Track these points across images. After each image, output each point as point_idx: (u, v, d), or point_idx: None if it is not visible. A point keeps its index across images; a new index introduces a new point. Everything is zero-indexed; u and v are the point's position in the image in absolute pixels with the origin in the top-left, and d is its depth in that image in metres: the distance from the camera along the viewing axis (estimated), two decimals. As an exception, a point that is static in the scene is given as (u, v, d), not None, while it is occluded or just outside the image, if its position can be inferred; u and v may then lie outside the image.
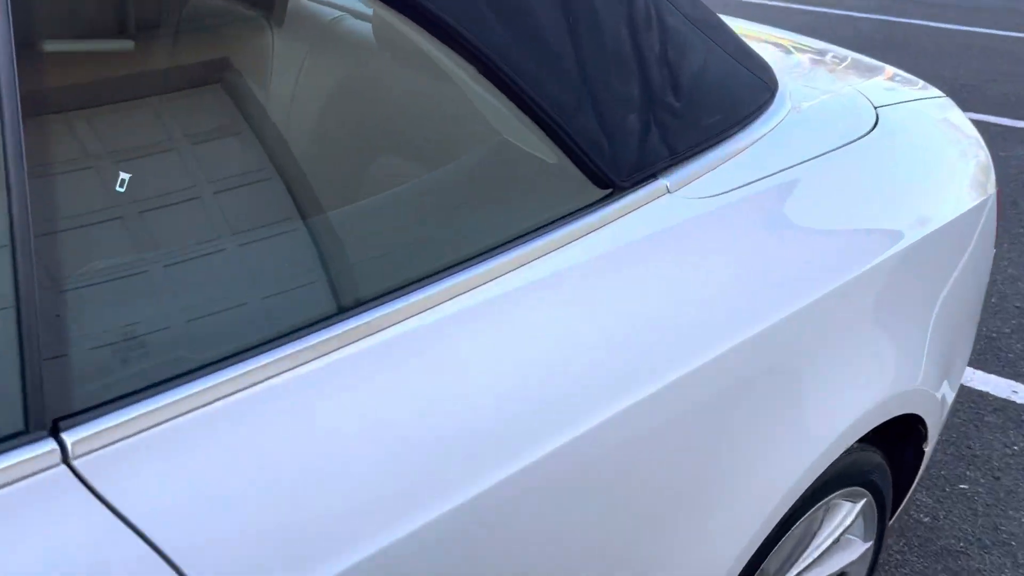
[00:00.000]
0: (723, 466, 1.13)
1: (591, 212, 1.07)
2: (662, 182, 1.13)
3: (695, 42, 1.22)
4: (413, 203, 1.09)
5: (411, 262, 0.97)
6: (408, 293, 0.92)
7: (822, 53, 1.88)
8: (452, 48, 0.95)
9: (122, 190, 1.04)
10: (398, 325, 0.90)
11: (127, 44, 1.20)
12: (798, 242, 1.22)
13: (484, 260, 0.98)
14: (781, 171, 1.24)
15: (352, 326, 0.87)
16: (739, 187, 1.19)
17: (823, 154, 1.33)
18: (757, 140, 1.25)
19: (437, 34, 0.94)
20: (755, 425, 1.14)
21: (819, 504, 1.37)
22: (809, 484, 1.26)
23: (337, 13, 1.48)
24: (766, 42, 1.87)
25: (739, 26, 1.87)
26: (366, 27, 1.36)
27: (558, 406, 0.96)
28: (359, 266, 0.99)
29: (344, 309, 0.90)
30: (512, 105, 1.00)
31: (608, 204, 1.08)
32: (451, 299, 0.94)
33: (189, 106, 1.14)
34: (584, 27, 1.05)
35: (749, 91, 1.28)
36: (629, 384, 1.01)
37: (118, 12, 1.19)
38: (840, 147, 1.37)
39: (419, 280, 0.94)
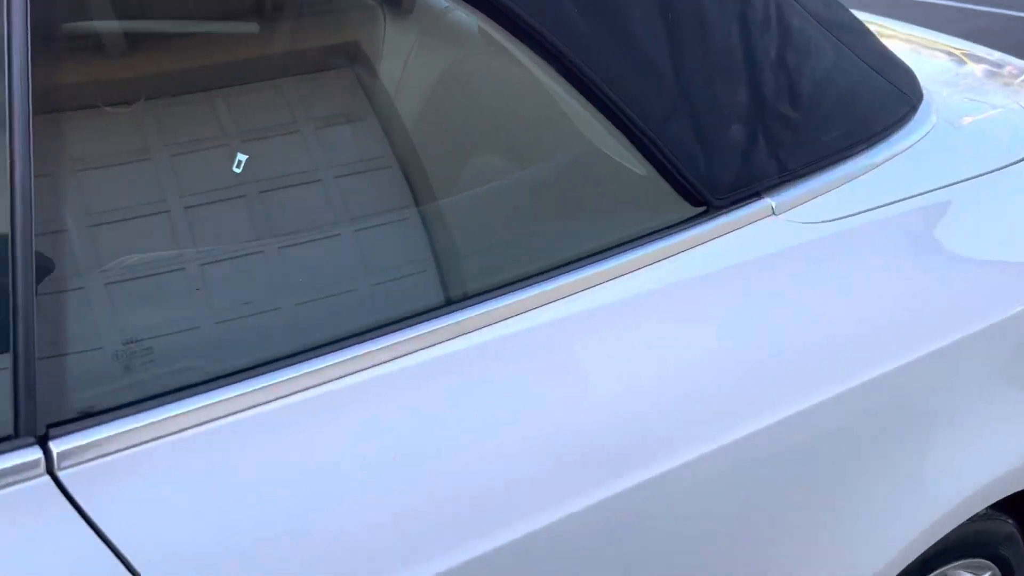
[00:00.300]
0: (825, 514, 1.02)
1: (682, 230, 0.96)
2: (766, 202, 1.00)
3: (823, 47, 1.07)
4: (505, 204, 1.06)
5: (506, 263, 0.96)
6: (507, 293, 0.89)
7: (999, 64, 1.67)
8: (526, 42, 0.87)
9: (239, 171, 1.06)
10: (499, 324, 0.87)
11: (252, 27, 1.22)
12: (932, 277, 1.07)
13: (570, 271, 0.92)
14: (917, 195, 1.09)
15: (456, 320, 0.86)
16: (861, 212, 1.05)
17: (973, 177, 1.16)
18: (889, 159, 1.10)
19: (510, 28, 0.86)
20: (866, 472, 1.00)
21: (935, 573, 1.21)
22: (925, 548, 1.12)
23: (447, 4, 1.43)
24: (934, 49, 1.68)
25: (906, 32, 1.70)
26: (474, 21, 1.30)
27: (644, 432, 0.89)
28: (465, 261, 1.00)
29: (450, 302, 0.90)
30: (594, 109, 0.90)
31: (701, 223, 0.97)
32: (544, 305, 0.90)
33: (308, 90, 1.14)
34: (685, 27, 0.94)
35: (885, 103, 1.13)
36: (723, 417, 0.93)
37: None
38: (997, 170, 1.18)
39: (515, 282, 0.91)
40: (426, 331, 0.84)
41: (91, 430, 0.67)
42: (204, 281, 1.00)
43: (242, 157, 1.05)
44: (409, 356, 0.83)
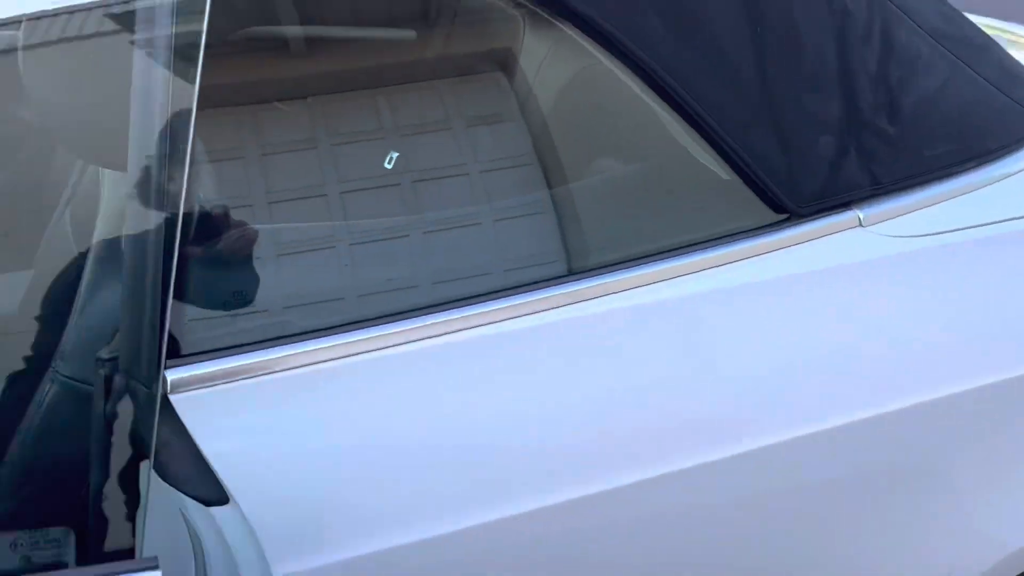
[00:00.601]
0: (913, 512, 1.03)
1: (762, 234, 1.00)
2: (853, 213, 1.02)
3: (934, 61, 1.07)
4: (612, 198, 1.15)
5: (611, 248, 1.05)
6: (609, 273, 0.96)
7: None
8: (613, 53, 0.94)
9: (389, 167, 1.21)
10: (602, 298, 0.94)
11: (410, 34, 1.36)
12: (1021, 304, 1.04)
13: (657, 260, 0.98)
14: (1020, 218, 1.06)
15: (570, 290, 0.94)
16: (959, 230, 1.04)
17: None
18: (1000, 179, 1.08)
19: (599, 42, 0.94)
20: (910, 507, 1.00)
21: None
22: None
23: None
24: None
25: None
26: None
27: (706, 417, 0.95)
28: (581, 244, 1.11)
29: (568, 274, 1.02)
30: (677, 116, 0.96)
31: (782, 229, 1.00)
32: (640, 287, 0.96)
33: (458, 91, 1.27)
34: (773, 40, 0.98)
35: (1003, 121, 1.10)
36: (776, 418, 0.97)
37: (403, 6, 1.34)
38: None
39: (618, 263, 0.98)
40: (543, 296, 0.93)
41: (203, 363, 0.81)
42: (352, 258, 1.14)
43: (394, 154, 1.19)
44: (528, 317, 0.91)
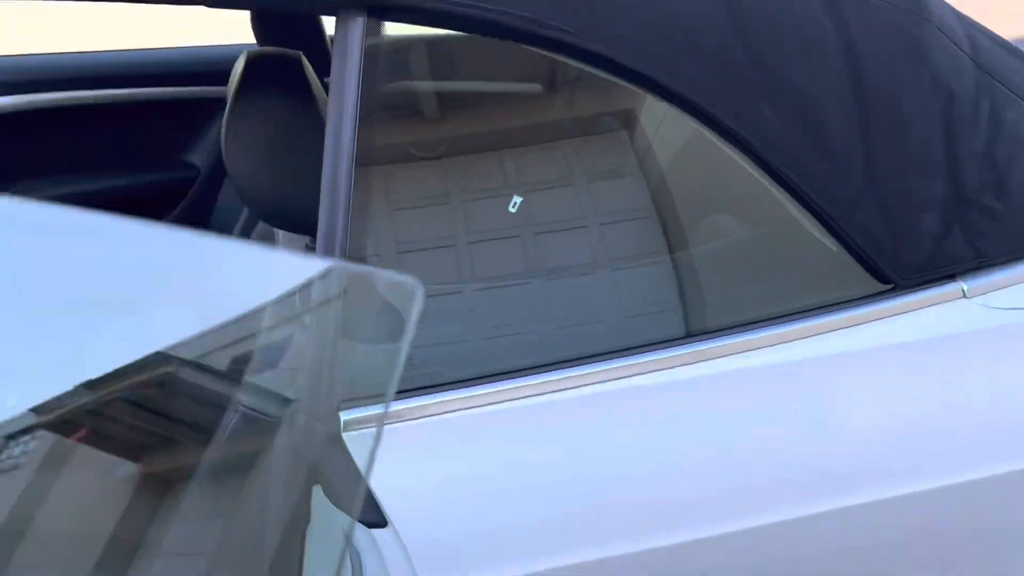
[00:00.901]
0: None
1: (868, 303, 1.08)
2: (958, 285, 1.08)
3: (1043, 139, 1.12)
4: (727, 261, 1.24)
5: (724, 311, 1.13)
6: (721, 337, 1.06)
7: None
8: (720, 133, 1.04)
9: (513, 211, 1.34)
10: (716, 361, 1.04)
11: (535, 87, 1.50)
12: None
13: (767, 326, 1.08)
14: None
15: (690, 350, 1.05)
16: (1065, 303, 1.09)
17: None
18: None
19: (709, 126, 1.03)
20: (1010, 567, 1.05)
21: None
22: None
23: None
24: None
25: None
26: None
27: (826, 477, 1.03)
28: (695, 304, 1.19)
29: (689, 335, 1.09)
30: (785, 192, 1.05)
31: (886, 299, 1.08)
32: (753, 351, 1.05)
33: (582, 149, 1.39)
34: (881, 122, 1.05)
35: (1113, 197, 1.14)
36: (884, 475, 1.04)
37: (529, 67, 1.48)
38: None
39: (725, 329, 1.07)
40: (660, 357, 1.03)
41: (371, 406, 0.96)
42: (476, 304, 1.28)
43: (517, 199, 1.32)
44: (646, 375, 1.01)
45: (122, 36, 2.57)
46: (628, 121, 1.44)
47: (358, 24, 0.93)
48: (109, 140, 2.45)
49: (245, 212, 2.31)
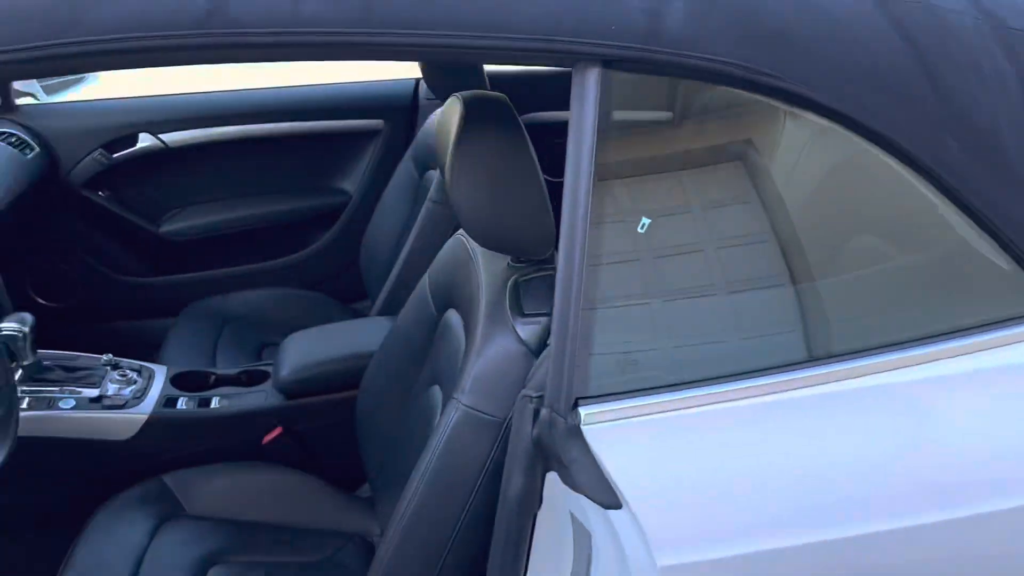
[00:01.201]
0: None
1: (1035, 320, 1.17)
2: None
3: None
4: (880, 282, 1.30)
5: (870, 332, 1.20)
6: (868, 356, 1.15)
7: None
8: (903, 161, 1.13)
9: (642, 231, 1.43)
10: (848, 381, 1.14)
11: (666, 115, 1.60)
12: None
13: (931, 343, 1.17)
14: None
15: (814, 373, 1.14)
16: None
17: None
18: None
19: (893, 155, 1.14)
20: None
21: None
22: None
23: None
24: None
25: None
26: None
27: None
28: (828, 326, 1.24)
29: (812, 360, 1.17)
30: (965, 216, 1.16)
31: (1061, 313, 1.17)
32: (900, 368, 1.14)
33: (711, 177, 1.49)
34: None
35: None
36: None
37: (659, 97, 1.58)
38: None
39: (876, 348, 1.16)
40: (781, 379, 1.12)
41: (602, 403, 1.10)
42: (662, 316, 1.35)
43: (646, 221, 1.39)
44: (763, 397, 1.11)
45: (277, 74, 2.79)
46: (762, 150, 1.52)
47: (593, 74, 1.07)
48: (270, 169, 2.67)
49: (393, 239, 2.47)
